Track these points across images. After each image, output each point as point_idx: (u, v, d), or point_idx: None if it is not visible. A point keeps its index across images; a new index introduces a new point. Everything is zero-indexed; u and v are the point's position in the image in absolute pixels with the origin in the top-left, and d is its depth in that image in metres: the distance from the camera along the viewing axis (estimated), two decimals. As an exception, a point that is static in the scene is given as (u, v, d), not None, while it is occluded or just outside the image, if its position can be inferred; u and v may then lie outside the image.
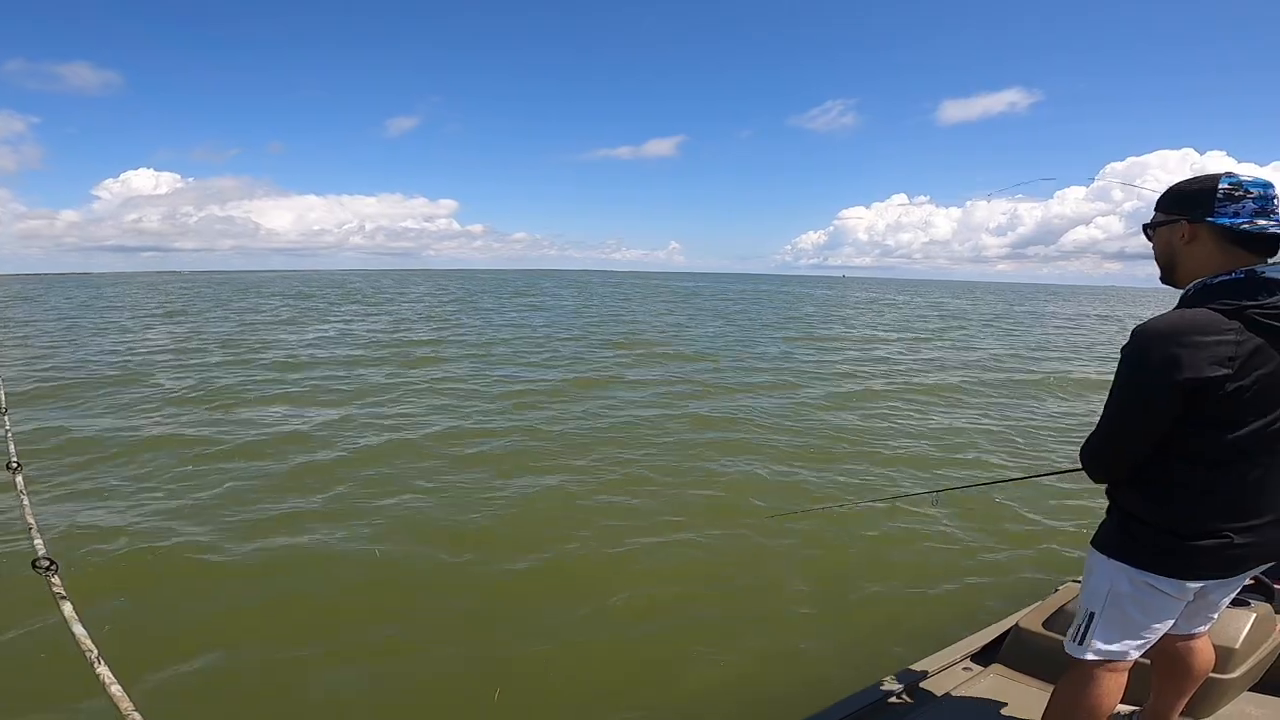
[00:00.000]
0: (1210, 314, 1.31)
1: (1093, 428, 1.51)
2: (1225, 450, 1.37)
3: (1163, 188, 1.48)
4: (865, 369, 12.92)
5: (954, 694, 2.14)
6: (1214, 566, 1.45)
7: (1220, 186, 1.35)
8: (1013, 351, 16.75)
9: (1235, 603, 2.04)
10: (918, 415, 8.82)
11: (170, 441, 6.86)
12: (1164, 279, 1.49)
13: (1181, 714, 1.88)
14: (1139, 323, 1.39)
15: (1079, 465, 1.57)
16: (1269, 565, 1.58)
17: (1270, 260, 1.36)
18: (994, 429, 8.22)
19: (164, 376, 10.82)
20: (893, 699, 2.08)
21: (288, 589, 3.84)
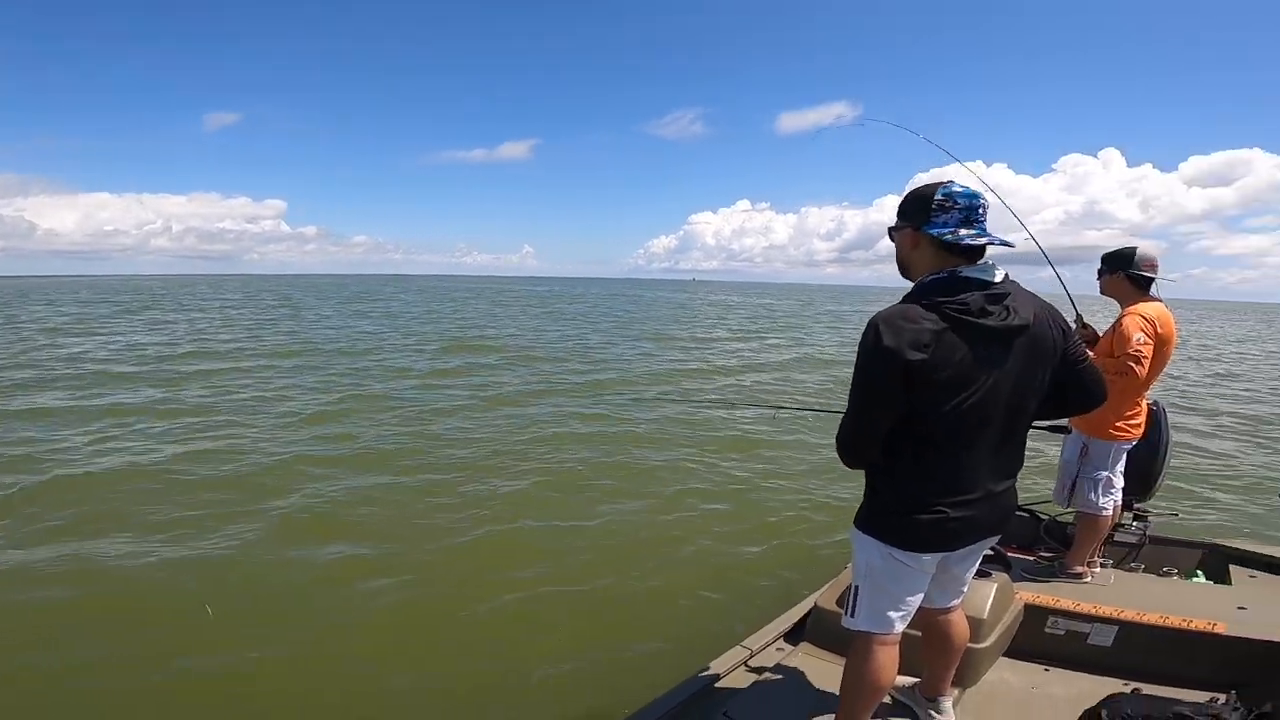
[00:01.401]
0: (915, 307, 1.47)
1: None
2: (932, 432, 1.51)
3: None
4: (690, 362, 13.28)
5: (771, 674, 2.21)
6: (935, 539, 1.58)
7: (935, 198, 1.50)
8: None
9: (978, 575, 2.20)
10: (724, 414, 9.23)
11: None
12: (903, 275, 1.63)
13: (952, 684, 2.03)
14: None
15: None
16: (999, 536, 1.75)
17: (979, 262, 1.51)
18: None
19: None
20: (719, 684, 2.13)
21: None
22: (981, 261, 1.52)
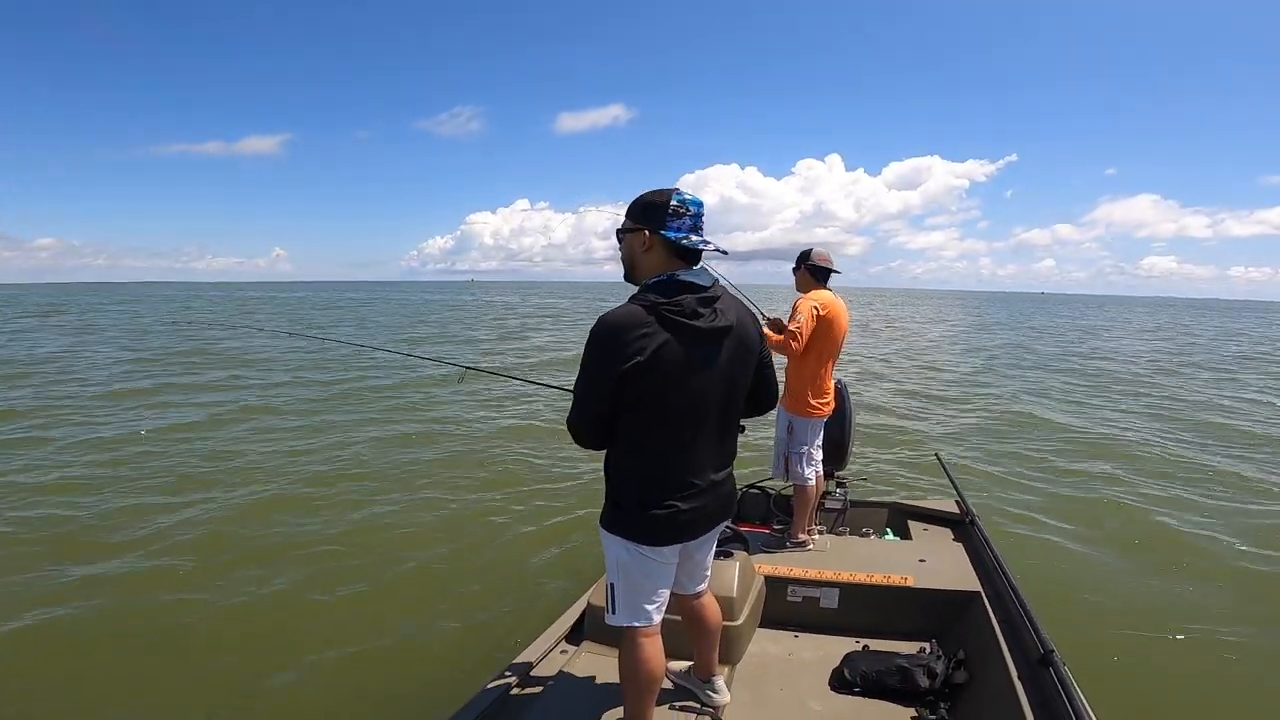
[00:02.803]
0: (636, 309, 1.54)
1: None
2: (655, 429, 1.60)
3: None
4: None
5: (557, 678, 2.19)
6: (672, 531, 1.67)
7: (670, 204, 1.58)
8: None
9: (721, 556, 2.38)
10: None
11: None
12: (626, 278, 1.69)
13: (721, 662, 2.14)
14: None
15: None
16: (728, 519, 1.86)
17: (695, 266, 1.62)
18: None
19: None
20: (508, 695, 2.09)
21: None
22: (697, 266, 1.64)
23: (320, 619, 3.56)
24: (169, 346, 17.06)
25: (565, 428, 1.69)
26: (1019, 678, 1.97)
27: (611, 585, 1.75)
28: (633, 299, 1.59)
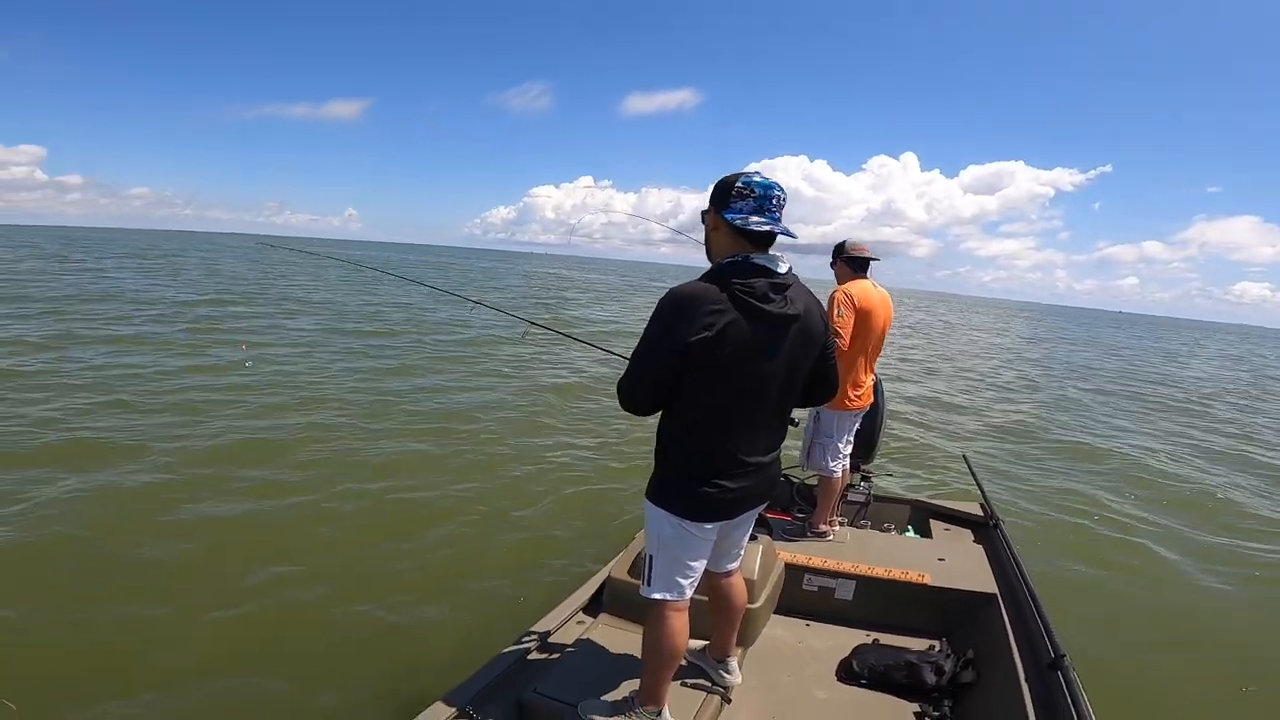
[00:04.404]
0: (710, 286, 1.56)
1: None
2: (713, 409, 1.62)
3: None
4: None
5: (574, 648, 2.23)
6: (717, 509, 1.70)
7: (735, 186, 1.59)
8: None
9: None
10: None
11: None
12: (707, 256, 1.72)
13: (735, 644, 2.17)
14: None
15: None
16: (768, 502, 1.89)
17: (769, 252, 1.62)
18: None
19: None
20: (525, 661, 2.13)
21: None
22: (771, 252, 1.63)
23: (333, 572, 3.65)
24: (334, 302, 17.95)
25: (615, 393, 1.70)
26: (1026, 679, 1.97)
27: (650, 557, 1.77)
28: (705, 276, 1.60)
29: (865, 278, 3.07)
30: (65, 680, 2.64)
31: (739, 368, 1.57)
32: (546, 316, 16.83)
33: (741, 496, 1.70)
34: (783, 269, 1.62)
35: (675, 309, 1.54)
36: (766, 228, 1.59)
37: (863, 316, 2.95)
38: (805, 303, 1.67)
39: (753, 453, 1.68)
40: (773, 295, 1.58)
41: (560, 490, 5.17)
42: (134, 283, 19.35)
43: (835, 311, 2.90)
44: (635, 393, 1.65)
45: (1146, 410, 12.07)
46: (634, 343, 1.63)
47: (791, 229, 1.66)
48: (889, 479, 4.52)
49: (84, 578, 3.39)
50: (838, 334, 2.84)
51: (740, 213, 1.59)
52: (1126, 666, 3.22)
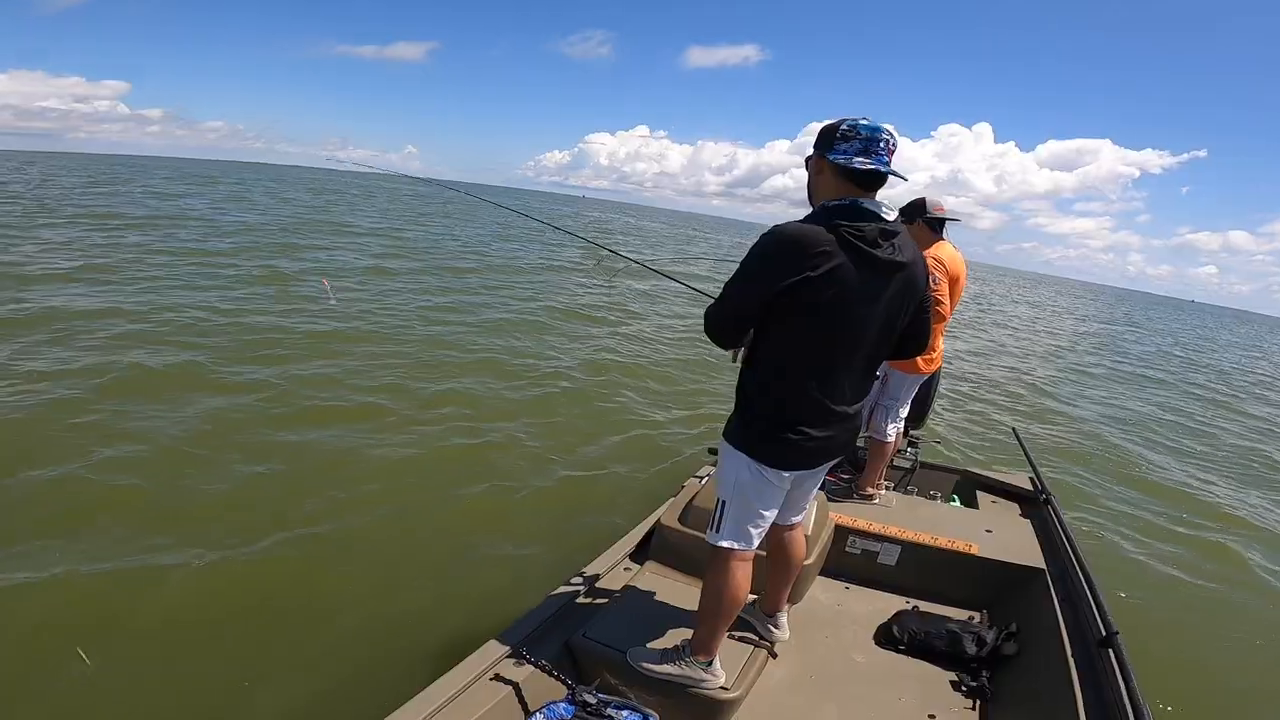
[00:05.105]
0: (817, 227, 1.51)
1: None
2: (807, 353, 1.57)
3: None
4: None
5: (621, 594, 2.22)
6: (799, 457, 1.66)
7: (840, 128, 1.56)
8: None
9: None
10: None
11: None
12: (809, 201, 1.67)
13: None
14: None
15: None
16: (843, 456, 1.87)
17: (875, 195, 1.57)
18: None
19: None
20: (570, 607, 2.13)
21: None
22: (879, 199, 1.58)
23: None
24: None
25: (702, 325, 1.67)
26: (1073, 656, 1.92)
27: (722, 503, 1.73)
28: (809, 217, 1.56)
29: (944, 239, 2.93)
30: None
31: (839, 313, 1.52)
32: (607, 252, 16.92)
33: (825, 446, 1.66)
34: (890, 216, 1.56)
35: (779, 246, 1.50)
36: (871, 167, 1.53)
37: (950, 283, 2.86)
38: (912, 253, 1.61)
39: (840, 401, 1.63)
40: (881, 241, 1.52)
41: (614, 435, 5.22)
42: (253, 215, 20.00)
43: (930, 279, 2.75)
44: (723, 323, 1.63)
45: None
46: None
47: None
48: (936, 446, 4.40)
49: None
50: (939, 302, 2.76)
51: (845, 154, 1.54)
52: (1177, 656, 3.13)
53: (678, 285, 3.30)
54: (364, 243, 15.87)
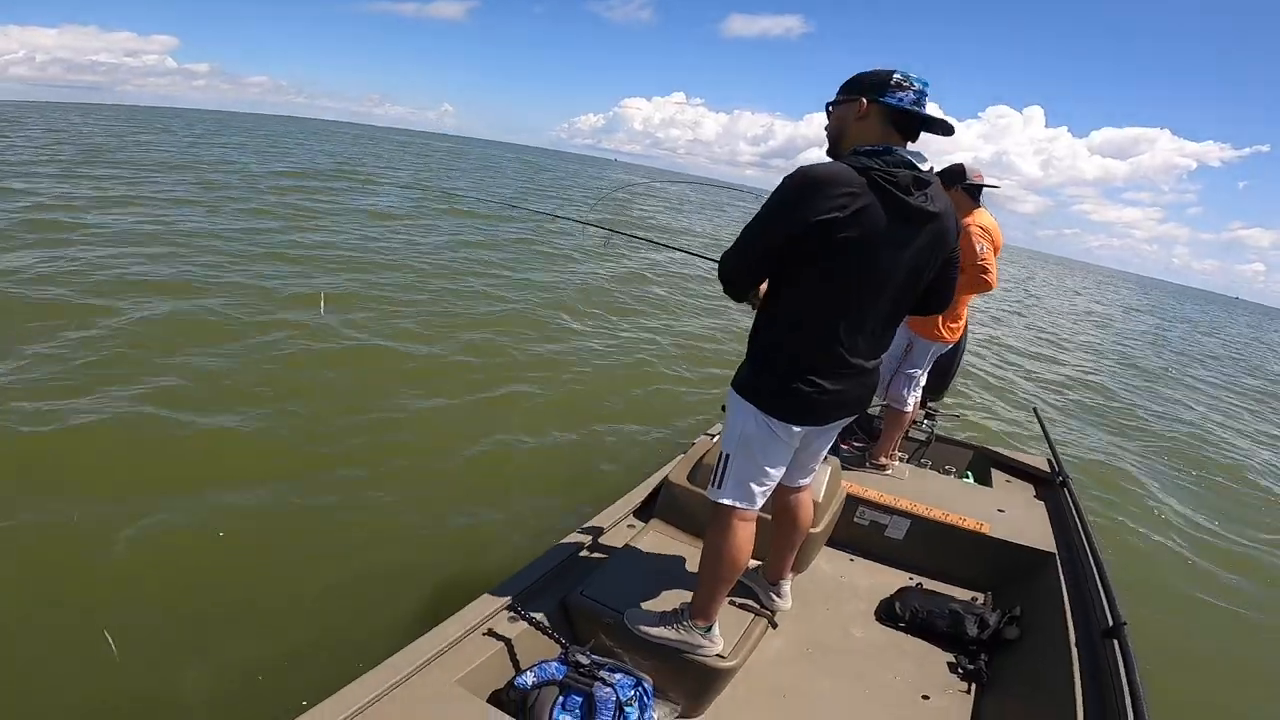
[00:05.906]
0: (845, 168, 1.44)
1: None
2: (827, 299, 1.49)
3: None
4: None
5: (622, 552, 2.18)
6: (810, 412, 1.58)
7: (894, 76, 1.50)
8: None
9: None
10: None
11: None
12: (829, 151, 1.58)
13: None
14: None
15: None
16: (858, 415, 1.72)
17: (910, 146, 1.51)
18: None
19: None
20: (572, 562, 2.09)
21: None
22: (914, 147, 1.52)
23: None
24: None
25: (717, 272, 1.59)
26: (1076, 643, 1.84)
27: (726, 457, 1.66)
28: (840, 157, 1.50)
29: (982, 206, 2.82)
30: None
31: (863, 257, 1.44)
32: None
33: (839, 400, 1.58)
34: (925, 166, 1.49)
35: (804, 184, 1.41)
36: (928, 112, 1.50)
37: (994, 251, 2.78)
38: (944, 204, 1.54)
39: (857, 354, 1.54)
40: (914, 189, 1.45)
41: (627, 390, 5.18)
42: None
43: (977, 248, 2.69)
44: (739, 267, 1.54)
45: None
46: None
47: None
48: (953, 420, 4.27)
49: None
50: (985, 270, 2.70)
51: (904, 101, 1.48)
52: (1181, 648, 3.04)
53: (684, 254, 3.20)
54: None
